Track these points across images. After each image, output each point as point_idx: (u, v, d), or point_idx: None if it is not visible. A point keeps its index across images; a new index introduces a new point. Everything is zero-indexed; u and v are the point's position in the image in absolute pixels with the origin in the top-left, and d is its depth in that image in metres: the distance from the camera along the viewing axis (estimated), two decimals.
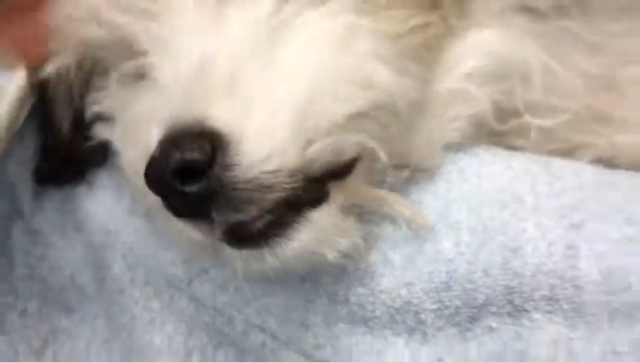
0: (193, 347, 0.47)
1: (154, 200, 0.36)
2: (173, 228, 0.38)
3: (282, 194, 0.35)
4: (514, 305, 0.38)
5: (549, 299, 0.38)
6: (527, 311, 0.38)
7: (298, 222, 0.36)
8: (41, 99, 0.50)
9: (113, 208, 0.50)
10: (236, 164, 0.34)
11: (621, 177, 0.42)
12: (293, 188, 0.35)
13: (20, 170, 0.53)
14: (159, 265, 0.48)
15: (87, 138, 0.48)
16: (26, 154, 0.52)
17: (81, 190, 0.51)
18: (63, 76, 0.48)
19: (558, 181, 0.41)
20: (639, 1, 0.47)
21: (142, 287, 0.49)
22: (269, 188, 0.35)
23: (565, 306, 0.38)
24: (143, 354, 0.48)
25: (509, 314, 0.39)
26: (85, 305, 0.52)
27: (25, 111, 0.50)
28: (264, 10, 0.37)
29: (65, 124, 0.49)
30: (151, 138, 0.35)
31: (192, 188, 0.34)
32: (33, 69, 0.48)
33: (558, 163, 0.43)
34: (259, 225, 0.35)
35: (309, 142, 0.36)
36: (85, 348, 0.52)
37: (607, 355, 0.35)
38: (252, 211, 0.35)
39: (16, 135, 0.52)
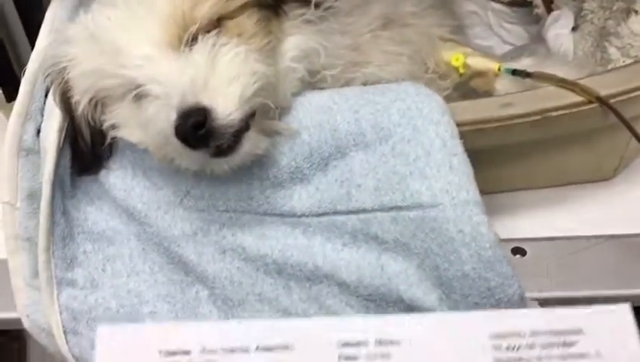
0: (195, 229, 0.70)
1: (175, 146, 0.59)
2: (187, 157, 0.61)
3: (236, 128, 0.60)
4: (340, 152, 0.66)
5: (352, 140, 0.66)
6: (346, 153, 0.67)
7: (243, 140, 0.61)
8: (71, 123, 0.71)
9: (124, 177, 0.72)
10: (216, 119, 0.58)
11: (370, 87, 0.70)
12: (240, 126, 0.60)
13: (65, 168, 0.73)
14: (162, 197, 0.71)
15: (102, 143, 0.71)
16: (66, 157, 0.73)
17: (103, 173, 0.73)
18: (83, 107, 0.69)
19: (344, 96, 0.68)
20: (358, 3, 0.80)
21: (156, 211, 0.71)
22: (230, 127, 0.59)
23: (352, 142, 0.67)
24: (170, 242, 0.71)
25: (338, 157, 0.66)
26: (121, 235, 0.73)
27: (64, 133, 0.72)
28: (206, 50, 0.61)
29: (87, 136, 0.71)
30: (172, 116, 0.58)
31: (200, 132, 0.58)
32: (65, 111, 0.73)
33: (345, 89, 0.70)
34: (228, 144, 0.60)
35: (243, 105, 0.60)
36: (130, 258, 0.73)
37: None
38: (225, 139, 0.60)
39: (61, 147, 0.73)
